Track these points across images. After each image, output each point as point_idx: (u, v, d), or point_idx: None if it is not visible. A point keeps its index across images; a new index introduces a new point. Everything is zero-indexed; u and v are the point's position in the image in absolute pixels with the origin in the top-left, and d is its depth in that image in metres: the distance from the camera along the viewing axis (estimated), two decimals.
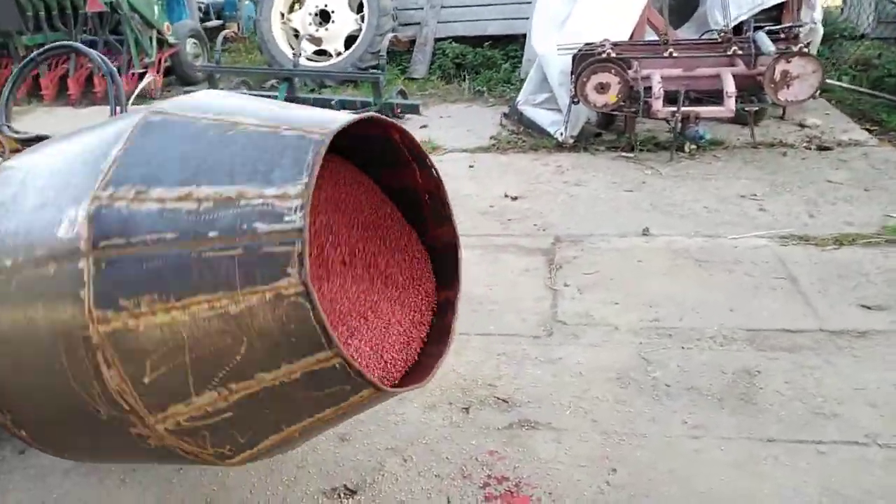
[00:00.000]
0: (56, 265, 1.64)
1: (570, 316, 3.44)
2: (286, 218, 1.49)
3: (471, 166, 5.49)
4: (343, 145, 1.81)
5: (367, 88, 6.99)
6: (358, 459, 2.60)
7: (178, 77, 9.22)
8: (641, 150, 5.49)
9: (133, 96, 3.15)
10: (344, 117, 1.70)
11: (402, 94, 6.87)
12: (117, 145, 1.67)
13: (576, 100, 5.35)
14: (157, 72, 8.59)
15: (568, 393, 2.89)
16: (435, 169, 2.02)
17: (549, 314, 3.46)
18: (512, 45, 8.34)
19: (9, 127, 2.90)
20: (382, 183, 2.20)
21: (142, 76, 8.48)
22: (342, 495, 2.45)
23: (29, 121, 7.48)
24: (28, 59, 2.98)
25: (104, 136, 1.78)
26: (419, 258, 2.27)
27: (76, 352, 1.65)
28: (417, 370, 2.18)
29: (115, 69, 2.81)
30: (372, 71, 6.79)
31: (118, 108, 2.80)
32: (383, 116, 1.83)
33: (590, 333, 3.29)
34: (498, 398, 2.88)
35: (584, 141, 5.72)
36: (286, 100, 6.67)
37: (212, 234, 1.53)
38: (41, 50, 3.03)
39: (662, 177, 5.05)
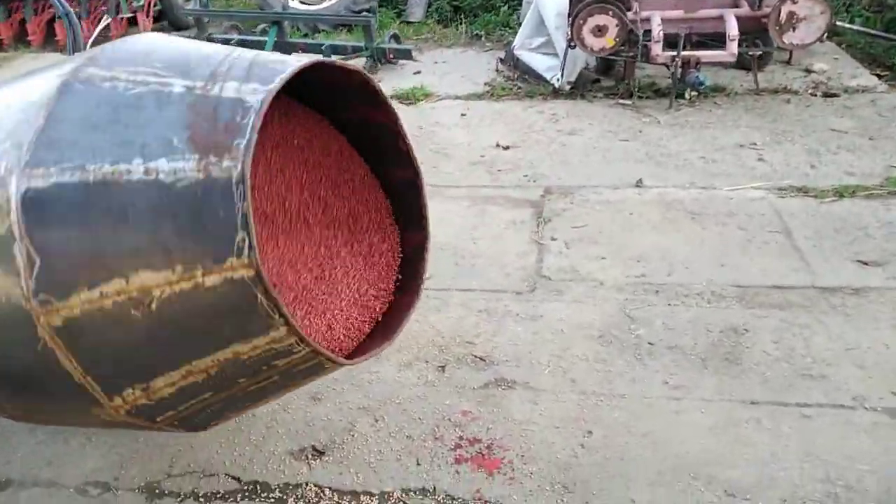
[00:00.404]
0: None
1: (555, 271, 3.33)
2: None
3: (463, 114, 5.30)
4: (296, 84, 1.70)
5: (361, 33, 6.74)
6: (329, 419, 2.54)
7: (170, 22, 8.93)
8: (640, 98, 5.27)
9: (91, 41, 3.00)
10: (287, 67, 1.57)
11: (396, 38, 6.62)
12: (39, 115, 1.54)
13: (572, 44, 5.12)
14: (147, 15, 8.32)
15: (547, 351, 2.81)
16: (390, 105, 1.89)
17: (534, 269, 3.36)
18: None
19: None
20: (338, 122, 2.08)
21: (131, 20, 8.23)
22: (310, 456, 2.40)
23: (18, 66, 7.28)
24: None
25: (29, 95, 1.65)
26: (381, 202, 2.16)
27: (21, 330, 1.56)
28: (386, 323, 2.11)
29: (71, 11, 2.65)
30: (364, 14, 6.53)
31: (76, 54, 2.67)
32: (330, 60, 1.70)
33: (574, 289, 3.18)
34: (475, 356, 2.81)
35: (582, 87, 5.50)
36: (275, 45, 6.45)
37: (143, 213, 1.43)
38: None
39: (660, 125, 4.86)
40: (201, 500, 2.26)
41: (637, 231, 3.61)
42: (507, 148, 4.67)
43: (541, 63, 5.72)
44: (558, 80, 5.45)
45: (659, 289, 3.15)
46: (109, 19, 3.15)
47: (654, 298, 3.09)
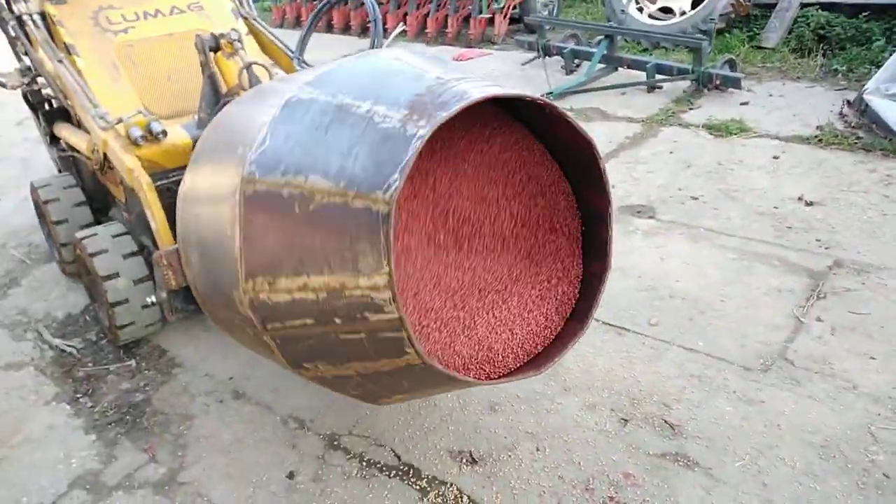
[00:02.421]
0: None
1: (802, 357, 2.88)
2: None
3: (775, 157, 4.77)
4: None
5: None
6: (495, 432, 2.61)
7: (525, 25, 9.53)
8: None
9: (390, 40, 3.42)
10: (469, 98, 1.64)
11: (731, 64, 6.17)
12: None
13: None
14: (504, 17, 9.01)
15: (749, 443, 2.48)
16: (586, 134, 1.85)
17: (779, 348, 2.95)
18: None
19: (301, 60, 3.39)
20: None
21: (490, 21, 9.00)
22: (465, 460, 2.50)
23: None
24: (324, 2, 3.42)
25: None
26: (575, 230, 2.14)
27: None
28: (547, 351, 2.11)
29: (380, 17, 3.06)
30: (697, 36, 6.20)
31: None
32: (512, 93, 1.71)
33: (816, 384, 2.73)
34: (666, 421, 2.60)
35: None
36: (603, 58, 6.51)
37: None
38: None
39: None
40: (364, 464, 2.52)
41: None
42: (810, 204, 4.10)
43: (894, 114, 4.85)
44: None
45: None
46: (403, 27, 3.59)
47: None
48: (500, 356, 2.06)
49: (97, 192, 3.61)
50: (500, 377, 2.00)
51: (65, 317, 3.54)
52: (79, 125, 3.47)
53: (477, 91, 1.66)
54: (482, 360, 2.02)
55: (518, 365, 2.08)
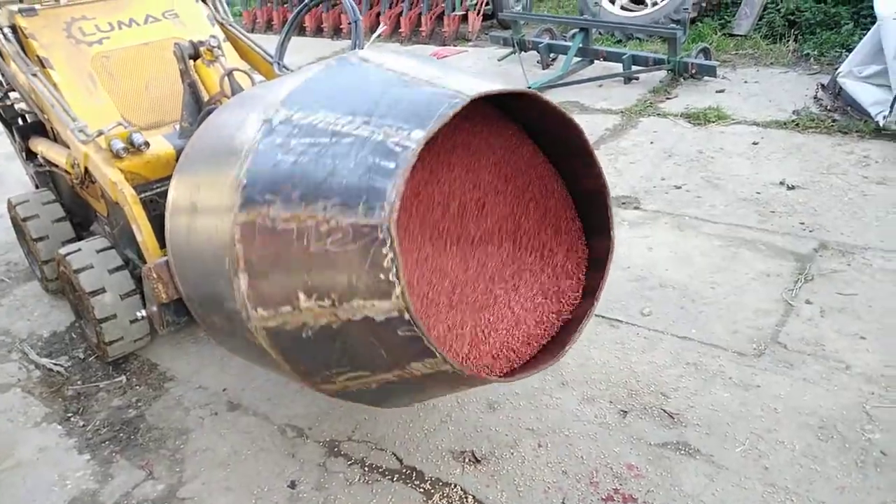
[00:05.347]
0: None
1: (795, 340, 2.91)
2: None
3: (755, 143, 4.82)
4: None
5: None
6: (496, 430, 2.60)
7: (499, 21, 9.54)
8: None
9: (371, 41, 3.38)
10: (474, 92, 1.62)
11: (705, 52, 6.22)
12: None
13: None
14: (478, 14, 9.01)
15: (748, 428, 2.50)
16: (567, 115, 1.84)
17: (771, 332, 2.98)
18: (867, 2, 6.93)
19: (281, 65, 3.35)
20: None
21: (464, 18, 8.99)
22: (467, 460, 2.49)
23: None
24: (302, 5, 3.38)
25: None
26: (570, 212, 2.13)
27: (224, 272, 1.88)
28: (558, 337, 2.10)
29: (360, 19, 3.03)
30: (671, 25, 6.24)
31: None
32: (521, 90, 1.70)
33: (810, 366, 2.76)
34: (665, 411, 2.62)
35: None
36: (579, 50, 6.53)
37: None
38: None
39: None
40: (366, 469, 2.50)
41: None
42: (791, 188, 4.15)
43: (868, 95, 4.92)
44: (885, 117, 4.64)
45: None
46: (384, 27, 3.57)
47: None
48: (514, 350, 2.05)
49: (77, 206, 3.54)
50: (517, 371, 1.99)
51: (50, 335, 3.48)
52: (56, 139, 3.40)
53: (462, 87, 1.64)
54: (500, 357, 2.01)
55: (532, 355, 2.06)
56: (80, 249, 2.97)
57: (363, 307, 1.58)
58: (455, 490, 2.38)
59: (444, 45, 8.71)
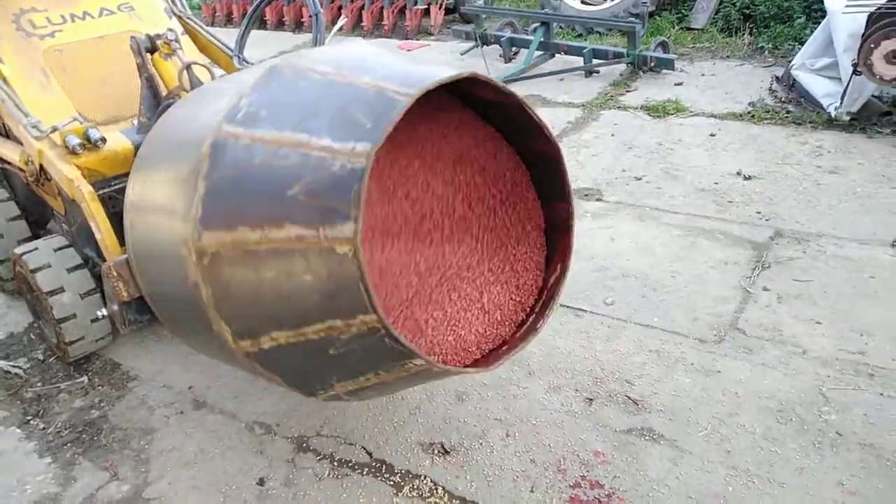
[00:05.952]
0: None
1: (753, 326, 2.99)
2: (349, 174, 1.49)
3: (712, 135, 4.92)
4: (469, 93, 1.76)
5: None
6: (465, 422, 2.62)
7: (461, 15, 9.54)
8: None
9: (332, 35, 3.35)
10: (433, 78, 1.61)
11: (664, 46, 6.32)
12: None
13: (859, 70, 4.44)
14: (440, 8, 9.00)
15: (710, 412, 2.56)
16: (538, 116, 1.85)
17: (730, 319, 3.05)
18: None
19: (241, 58, 3.31)
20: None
21: (426, 12, 8.98)
22: (436, 452, 2.50)
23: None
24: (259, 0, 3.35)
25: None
26: (523, 178, 2.14)
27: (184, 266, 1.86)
28: (511, 343, 2.11)
29: (321, 12, 3.01)
30: (630, 20, 6.33)
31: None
32: (475, 75, 1.69)
33: (768, 351, 2.84)
34: (629, 398, 2.66)
35: (865, 120, 4.76)
36: (540, 44, 6.57)
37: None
38: None
39: None
40: (335, 463, 2.50)
41: (871, 300, 3.08)
42: (748, 178, 4.25)
43: (820, 87, 5.07)
44: (836, 108, 4.78)
45: (875, 373, 2.67)
46: (344, 20, 3.52)
47: (864, 383, 2.63)
48: (483, 338, 2.06)
49: (33, 204, 3.45)
50: (489, 360, 2.00)
51: (6, 336, 3.38)
52: (8, 136, 3.30)
53: (414, 87, 1.62)
54: (473, 348, 2.02)
55: (505, 338, 2.08)
56: (36, 248, 2.90)
57: (333, 327, 1.58)
58: (425, 482, 2.39)
59: (407, 38, 8.68)
